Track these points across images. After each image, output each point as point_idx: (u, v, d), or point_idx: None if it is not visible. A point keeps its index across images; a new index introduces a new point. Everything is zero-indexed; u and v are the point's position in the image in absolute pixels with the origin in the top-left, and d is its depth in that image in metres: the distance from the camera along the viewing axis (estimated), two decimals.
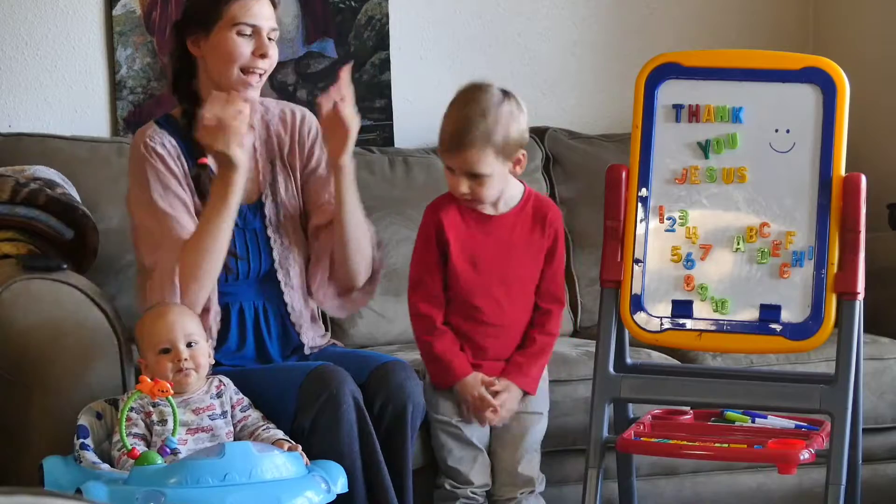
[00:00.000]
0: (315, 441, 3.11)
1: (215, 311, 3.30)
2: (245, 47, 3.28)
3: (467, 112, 3.29)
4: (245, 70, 3.30)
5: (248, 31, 3.28)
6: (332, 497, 2.99)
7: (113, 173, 3.94)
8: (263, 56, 3.29)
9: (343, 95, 3.27)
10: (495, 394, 3.34)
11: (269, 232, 3.38)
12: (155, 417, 3.08)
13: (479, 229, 3.38)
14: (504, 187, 3.38)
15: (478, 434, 3.38)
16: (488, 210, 3.40)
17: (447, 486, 3.37)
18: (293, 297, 3.41)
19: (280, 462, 2.95)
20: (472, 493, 3.37)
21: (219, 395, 3.15)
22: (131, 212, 3.34)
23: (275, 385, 3.20)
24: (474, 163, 3.29)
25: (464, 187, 3.32)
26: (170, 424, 3.05)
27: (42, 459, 3.06)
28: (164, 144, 3.29)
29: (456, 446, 3.37)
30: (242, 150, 3.18)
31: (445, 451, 3.37)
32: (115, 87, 4.22)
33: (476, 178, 3.31)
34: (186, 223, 3.26)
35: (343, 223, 3.34)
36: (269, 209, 3.40)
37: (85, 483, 2.91)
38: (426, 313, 3.37)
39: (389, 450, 3.20)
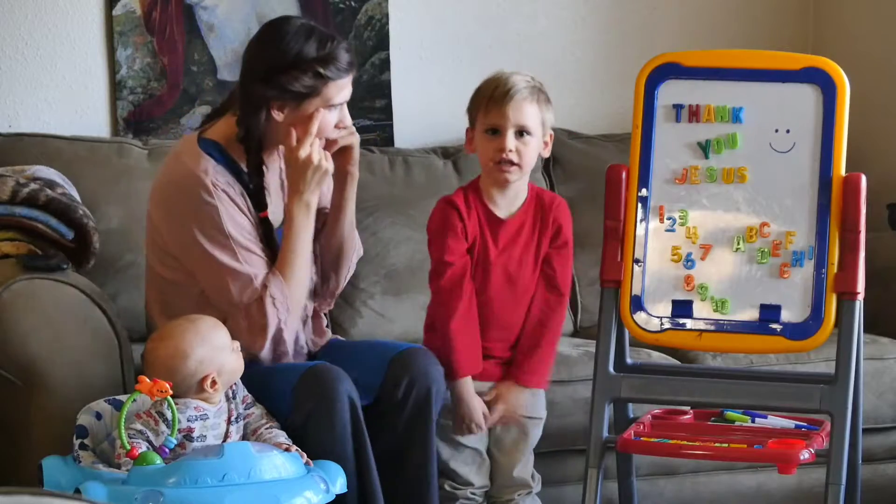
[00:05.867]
0: (308, 440, 3.11)
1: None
2: (331, 121, 3.30)
3: (515, 76, 3.36)
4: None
5: (336, 107, 3.31)
6: (331, 497, 2.99)
7: (113, 173, 3.94)
8: (345, 128, 3.34)
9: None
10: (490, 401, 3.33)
11: None
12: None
13: (489, 228, 3.36)
14: (527, 175, 3.38)
15: (475, 437, 3.36)
16: (500, 213, 3.37)
17: (447, 487, 3.36)
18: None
19: (279, 462, 2.94)
20: (472, 493, 3.37)
21: (234, 396, 3.15)
22: (198, 243, 3.24)
23: (272, 384, 3.20)
24: (527, 114, 3.31)
25: (511, 143, 3.30)
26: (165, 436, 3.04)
27: (42, 459, 3.06)
28: (229, 183, 3.27)
29: (456, 450, 3.36)
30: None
31: (446, 454, 3.36)
32: (115, 87, 4.22)
33: (522, 136, 3.31)
34: (260, 258, 3.28)
35: (340, 230, 3.40)
36: None
37: (84, 483, 2.91)
38: (452, 295, 3.31)
39: (411, 439, 3.20)
